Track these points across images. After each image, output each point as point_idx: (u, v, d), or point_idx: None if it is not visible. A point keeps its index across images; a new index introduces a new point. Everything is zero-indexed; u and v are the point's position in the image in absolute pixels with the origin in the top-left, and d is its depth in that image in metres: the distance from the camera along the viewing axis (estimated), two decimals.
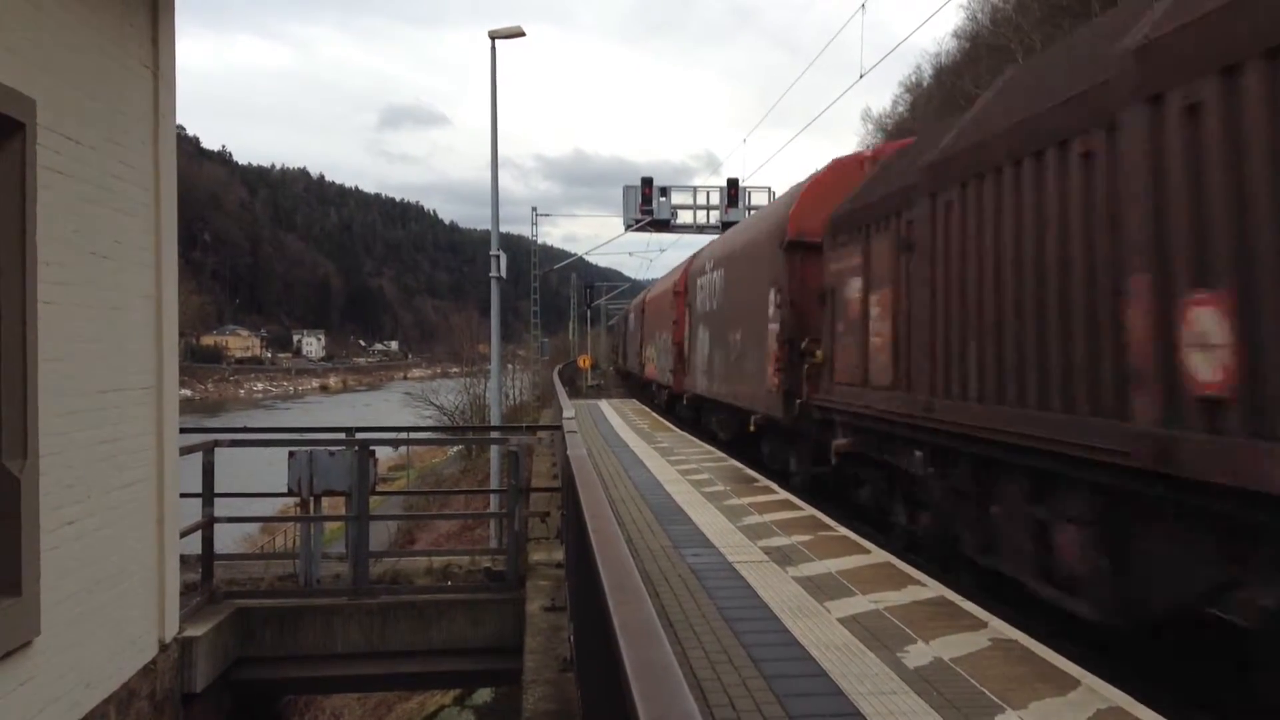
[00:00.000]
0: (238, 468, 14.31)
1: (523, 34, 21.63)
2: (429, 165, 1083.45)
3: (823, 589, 7.15)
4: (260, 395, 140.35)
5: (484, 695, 15.28)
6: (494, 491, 17.23)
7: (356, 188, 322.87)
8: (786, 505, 11.01)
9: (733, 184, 38.71)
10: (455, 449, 47.51)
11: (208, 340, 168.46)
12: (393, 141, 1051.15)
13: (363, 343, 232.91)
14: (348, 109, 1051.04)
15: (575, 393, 39.40)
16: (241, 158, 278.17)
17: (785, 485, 12.89)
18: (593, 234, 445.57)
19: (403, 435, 19.62)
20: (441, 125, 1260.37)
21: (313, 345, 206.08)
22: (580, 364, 55.26)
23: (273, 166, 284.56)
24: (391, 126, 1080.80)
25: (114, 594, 6.43)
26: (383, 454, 11.29)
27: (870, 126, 62.83)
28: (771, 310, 14.38)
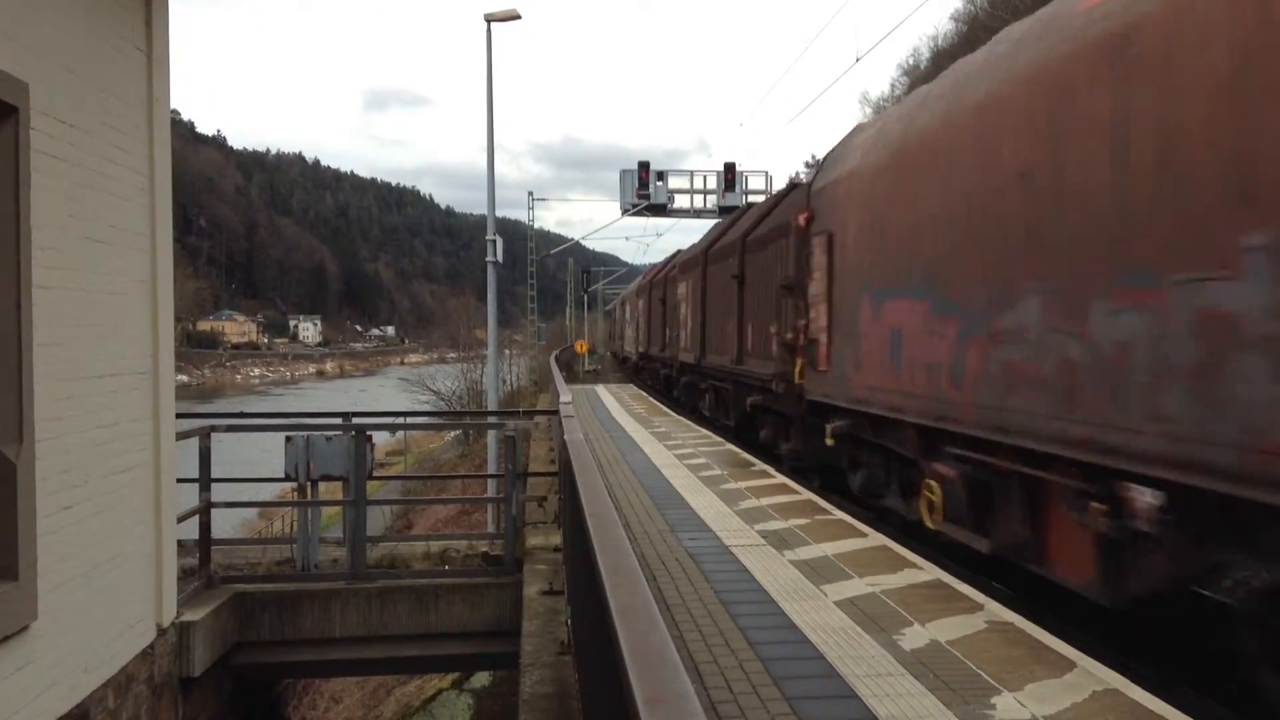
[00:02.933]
0: (234, 453, 14.31)
1: (518, 17, 21.55)
2: (418, 149, 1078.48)
3: (819, 572, 7.17)
4: (257, 381, 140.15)
5: (482, 679, 15.33)
6: (491, 476, 17.27)
7: (352, 172, 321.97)
8: (783, 489, 11.03)
9: (730, 168, 38.65)
10: (453, 434, 47.57)
11: (204, 326, 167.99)
12: (379, 124, 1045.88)
13: (359, 328, 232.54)
14: (335, 91, 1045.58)
15: (572, 378, 39.38)
16: (236, 142, 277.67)
17: (783, 469, 12.92)
18: (586, 218, 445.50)
19: (400, 420, 19.63)
20: (426, 106, 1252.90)
21: (309, 330, 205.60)
22: (577, 349, 55.25)
23: (268, 151, 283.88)
24: (378, 109, 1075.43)
25: (111, 579, 6.43)
26: (380, 439, 11.33)
27: (868, 110, 62.60)
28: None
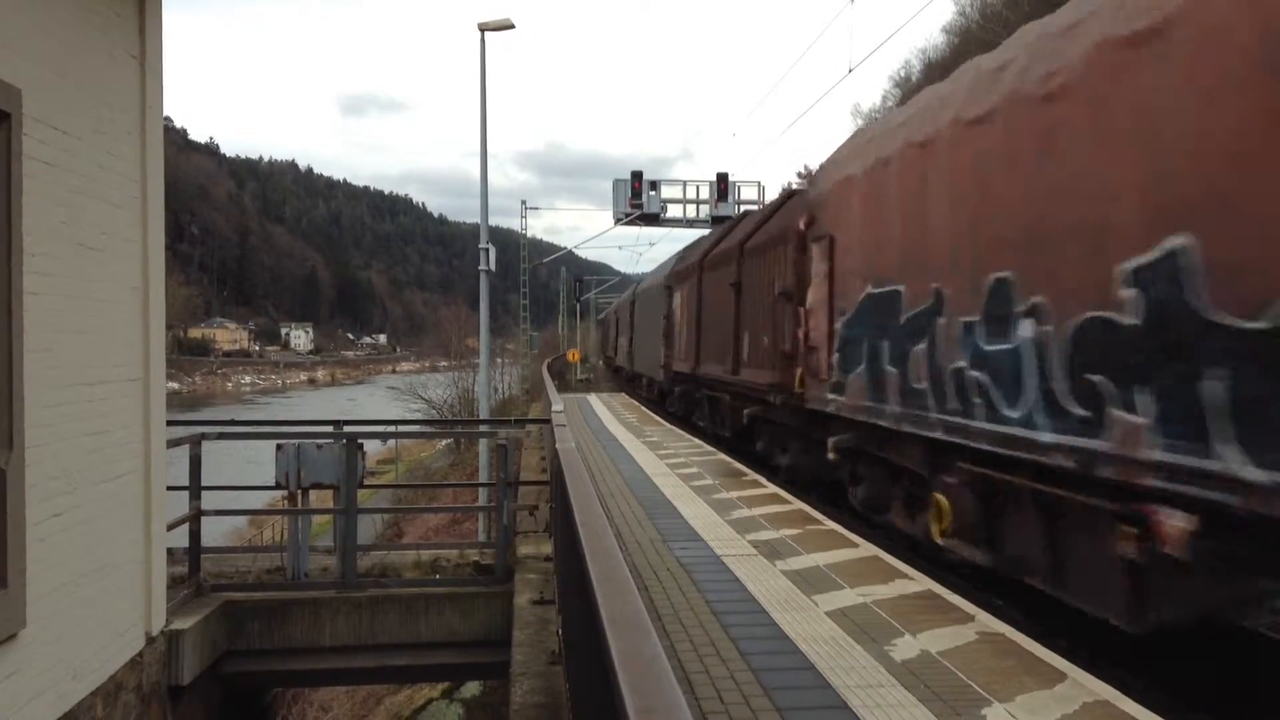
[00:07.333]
0: (224, 462, 14.25)
1: (512, 26, 21.61)
2: (399, 155, 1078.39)
3: (811, 582, 7.17)
4: (247, 388, 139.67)
5: (472, 688, 15.27)
6: (483, 485, 17.23)
7: (345, 180, 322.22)
8: (775, 499, 11.03)
9: (722, 178, 38.73)
10: (444, 443, 47.48)
11: (195, 333, 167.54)
12: (358, 129, 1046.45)
13: (351, 336, 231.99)
14: (319, 97, 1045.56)
15: (564, 386, 39.39)
16: (229, 150, 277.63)
17: (774, 479, 12.92)
18: (573, 225, 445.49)
19: (391, 428, 19.61)
20: (404, 112, 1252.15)
21: (301, 338, 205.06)
22: (569, 358, 55.21)
23: (260, 158, 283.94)
24: (355, 114, 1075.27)
25: (101, 587, 6.40)
26: (371, 447, 11.26)
27: (860, 122, 62.82)
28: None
